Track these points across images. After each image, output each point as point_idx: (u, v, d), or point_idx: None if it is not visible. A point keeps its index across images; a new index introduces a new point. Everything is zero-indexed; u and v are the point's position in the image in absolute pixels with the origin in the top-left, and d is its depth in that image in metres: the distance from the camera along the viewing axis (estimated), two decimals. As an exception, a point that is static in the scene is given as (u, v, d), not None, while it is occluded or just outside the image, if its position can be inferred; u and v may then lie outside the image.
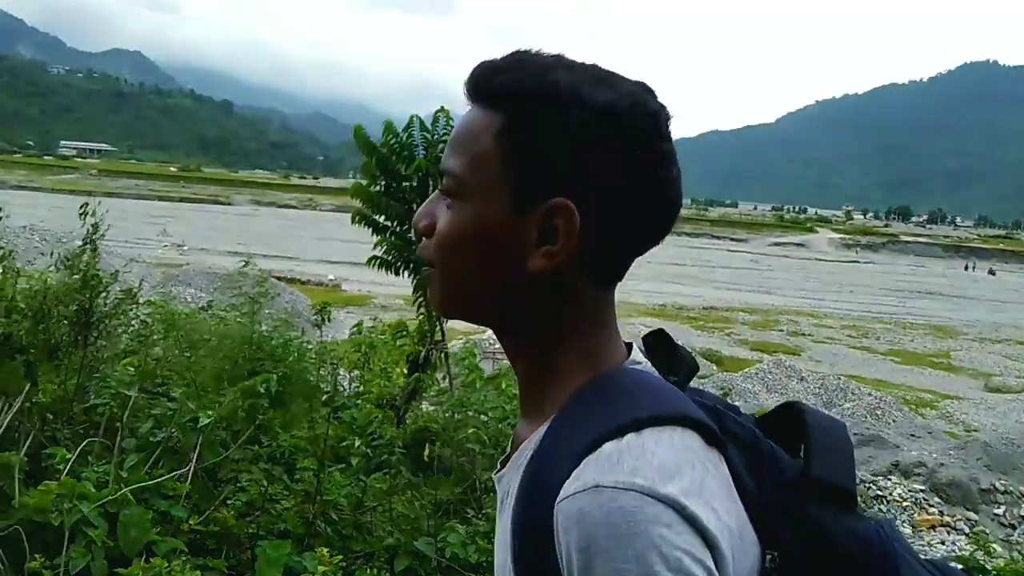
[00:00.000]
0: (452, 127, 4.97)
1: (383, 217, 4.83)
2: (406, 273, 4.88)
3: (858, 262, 67.62)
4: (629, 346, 0.79)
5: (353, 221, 4.83)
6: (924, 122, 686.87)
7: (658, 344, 0.82)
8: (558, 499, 0.63)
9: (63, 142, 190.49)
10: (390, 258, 4.84)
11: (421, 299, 4.94)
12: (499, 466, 0.82)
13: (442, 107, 4.72)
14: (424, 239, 0.77)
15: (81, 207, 3.99)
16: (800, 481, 0.71)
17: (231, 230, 47.22)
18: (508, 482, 0.76)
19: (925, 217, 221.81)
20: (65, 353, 3.88)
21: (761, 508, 0.69)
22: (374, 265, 4.87)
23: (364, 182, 4.88)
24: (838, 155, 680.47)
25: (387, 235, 4.82)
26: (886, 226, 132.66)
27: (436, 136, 4.68)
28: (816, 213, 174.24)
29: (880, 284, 42.44)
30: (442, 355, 5.03)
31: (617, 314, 0.76)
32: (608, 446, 0.64)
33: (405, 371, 5.14)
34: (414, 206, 4.74)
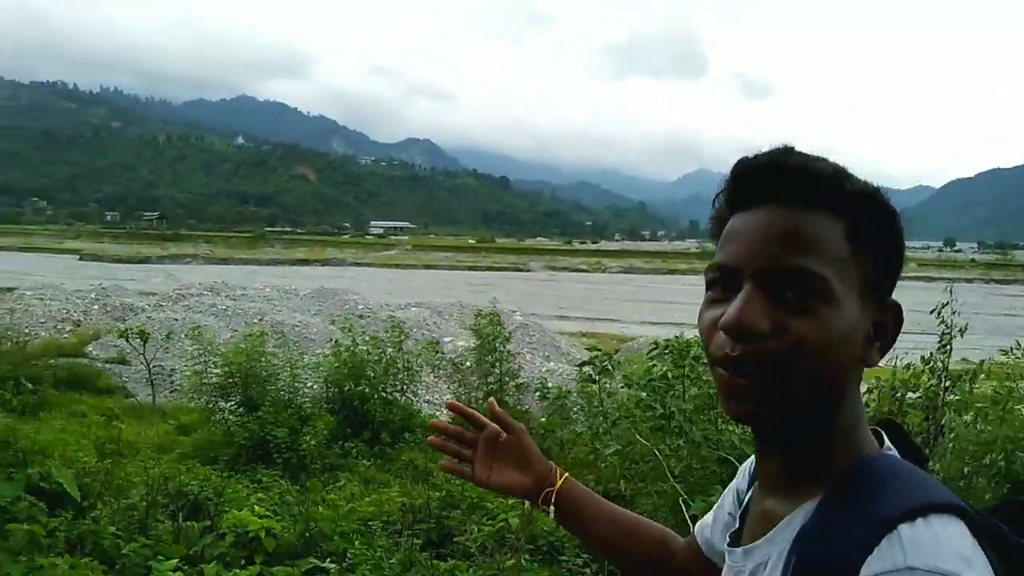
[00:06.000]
0: None
1: None
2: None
3: None
4: (876, 432, 0.81)
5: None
6: None
7: (892, 434, 0.83)
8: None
9: (372, 222, 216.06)
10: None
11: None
12: (728, 538, 0.90)
13: None
14: (759, 342, 0.74)
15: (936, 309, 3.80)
16: None
17: (544, 295, 49.35)
18: (762, 555, 0.79)
19: None
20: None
21: None
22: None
23: None
24: None
25: None
26: None
27: None
28: None
29: None
30: None
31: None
32: (905, 529, 0.67)
33: None
34: None
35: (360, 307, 16.49)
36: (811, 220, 0.75)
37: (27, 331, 14.42)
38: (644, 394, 4.14)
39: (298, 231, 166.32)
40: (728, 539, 0.89)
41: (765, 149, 0.79)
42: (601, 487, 5.43)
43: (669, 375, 4.54)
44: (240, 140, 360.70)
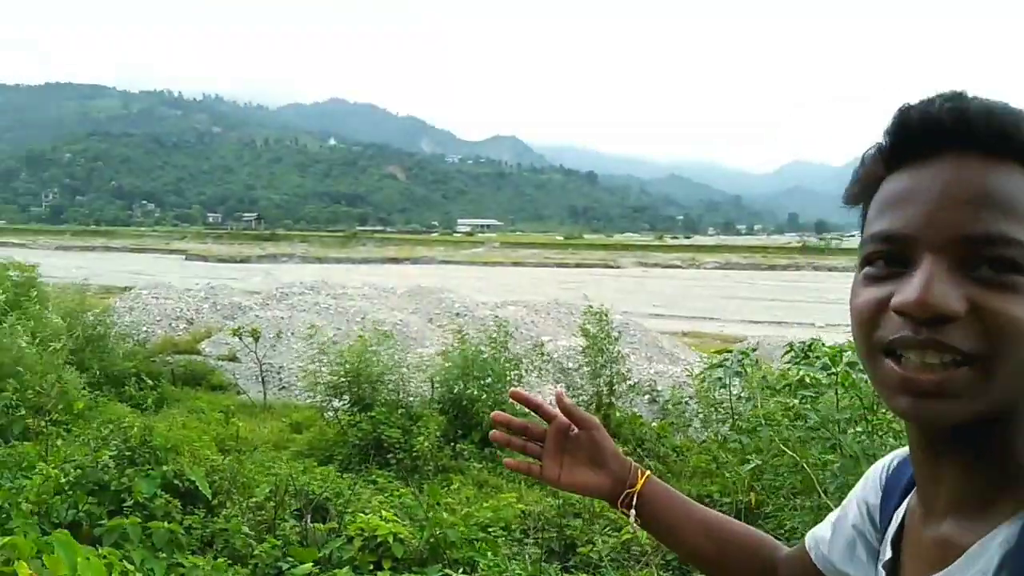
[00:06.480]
0: None
1: None
2: None
3: None
4: None
5: None
6: None
7: None
8: None
9: (460, 220, 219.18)
10: None
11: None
12: (883, 569, 0.76)
13: None
14: (949, 325, 0.61)
15: None
16: None
17: (637, 292, 48.78)
18: None
19: None
20: None
21: None
22: None
23: None
24: None
25: None
26: None
27: None
28: None
29: None
30: None
31: None
32: None
33: None
34: None
35: (456, 306, 16.58)
36: (1004, 175, 0.63)
37: (144, 329, 15.14)
38: (795, 400, 3.87)
39: (388, 230, 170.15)
40: (883, 570, 0.77)
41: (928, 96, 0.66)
42: (730, 500, 5.18)
43: (806, 379, 4.24)
44: (332, 141, 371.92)
